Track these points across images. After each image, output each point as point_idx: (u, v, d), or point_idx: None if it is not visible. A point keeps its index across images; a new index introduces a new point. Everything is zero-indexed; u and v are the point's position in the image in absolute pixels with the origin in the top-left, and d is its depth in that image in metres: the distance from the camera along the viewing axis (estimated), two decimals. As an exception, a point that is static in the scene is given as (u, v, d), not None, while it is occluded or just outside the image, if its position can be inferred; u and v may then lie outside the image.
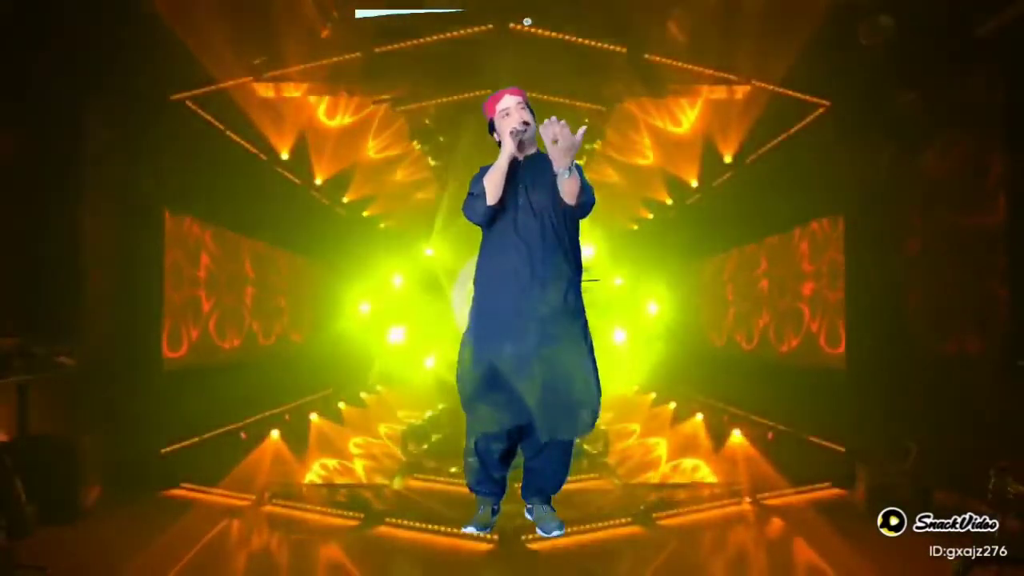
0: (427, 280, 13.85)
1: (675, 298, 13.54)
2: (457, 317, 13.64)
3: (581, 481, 7.76)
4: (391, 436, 10.30)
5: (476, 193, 3.44)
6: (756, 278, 11.13)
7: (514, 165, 3.50)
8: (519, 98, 3.57)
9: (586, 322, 3.51)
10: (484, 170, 3.50)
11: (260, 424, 9.77)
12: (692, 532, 6.36)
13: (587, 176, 3.61)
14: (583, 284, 3.60)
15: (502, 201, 3.45)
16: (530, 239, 3.41)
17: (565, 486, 3.62)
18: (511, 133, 3.42)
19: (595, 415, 3.43)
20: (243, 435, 8.87)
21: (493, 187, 3.36)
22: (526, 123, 3.47)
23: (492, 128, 3.61)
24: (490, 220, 3.44)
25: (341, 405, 12.27)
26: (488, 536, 5.30)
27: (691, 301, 13.21)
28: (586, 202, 3.43)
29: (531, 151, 3.55)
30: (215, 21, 7.21)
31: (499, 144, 3.57)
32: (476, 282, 3.58)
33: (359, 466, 8.75)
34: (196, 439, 8.47)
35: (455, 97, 8.84)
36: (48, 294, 6.76)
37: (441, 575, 5.58)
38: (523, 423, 3.46)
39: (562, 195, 3.35)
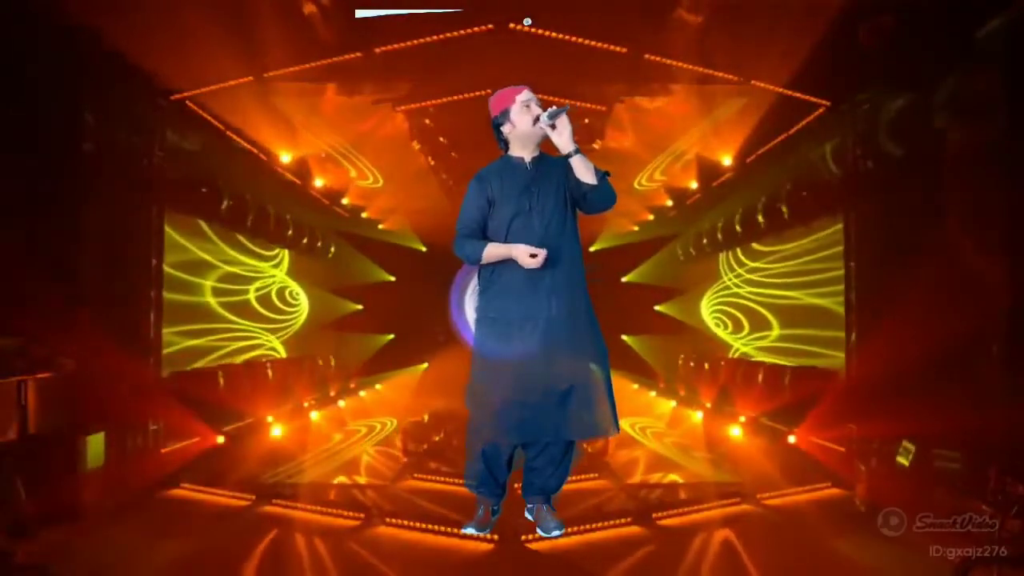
0: (425, 280, 13.86)
1: (676, 298, 13.55)
2: (455, 316, 13.63)
3: (581, 481, 7.75)
4: (391, 436, 10.30)
5: (466, 234, 3.43)
6: (756, 278, 11.13)
7: (521, 170, 3.46)
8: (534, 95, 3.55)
9: (597, 324, 3.47)
10: (482, 174, 3.44)
11: (260, 424, 9.76)
12: (692, 532, 6.36)
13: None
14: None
15: (512, 206, 3.40)
16: (541, 244, 3.36)
17: (565, 486, 3.61)
18: (547, 114, 3.36)
19: (614, 414, 3.41)
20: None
21: (489, 259, 3.38)
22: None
23: (497, 126, 3.51)
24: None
25: (341, 404, 12.27)
26: (488, 536, 5.30)
27: (692, 300, 13.21)
28: (605, 190, 3.38)
29: (536, 154, 3.48)
30: (215, 21, 7.20)
31: (504, 146, 3.52)
32: (484, 287, 3.50)
33: (359, 466, 8.74)
34: (196, 439, 8.47)
35: (455, 97, 8.84)
36: (48, 294, 6.76)
37: (441, 575, 5.58)
38: (532, 433, 3.42)
39: (580, 177, 3.33)
